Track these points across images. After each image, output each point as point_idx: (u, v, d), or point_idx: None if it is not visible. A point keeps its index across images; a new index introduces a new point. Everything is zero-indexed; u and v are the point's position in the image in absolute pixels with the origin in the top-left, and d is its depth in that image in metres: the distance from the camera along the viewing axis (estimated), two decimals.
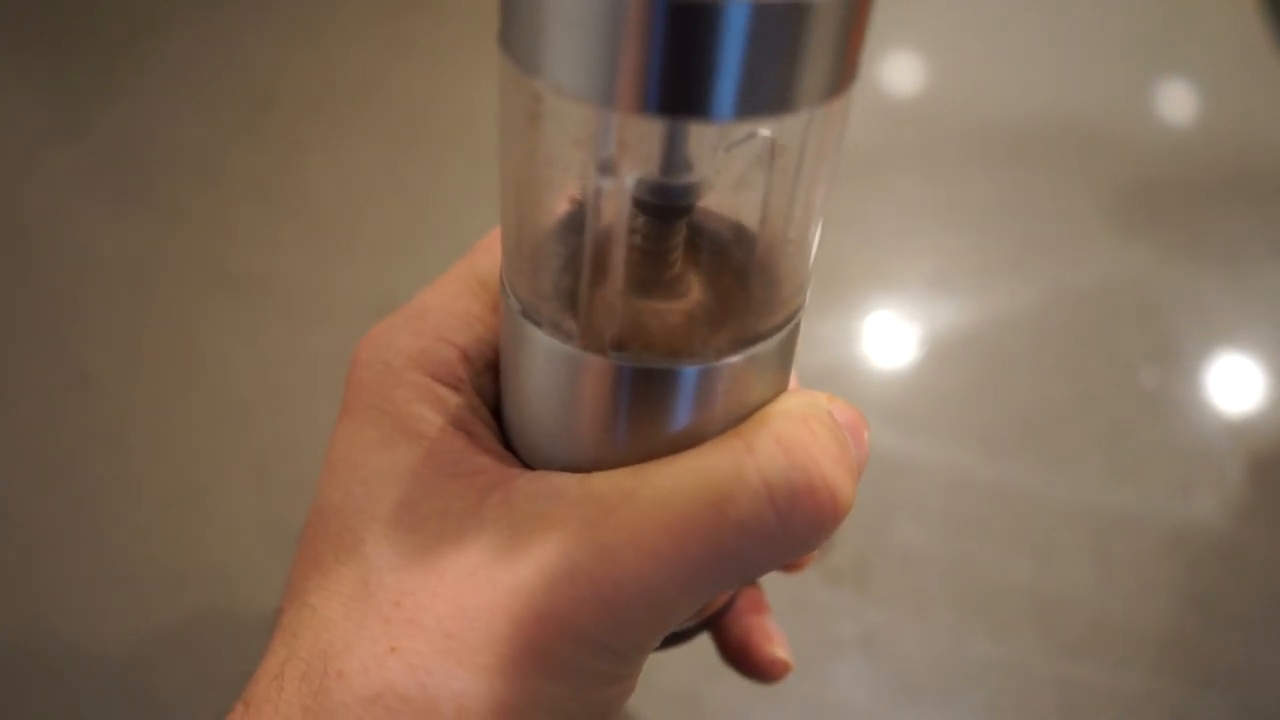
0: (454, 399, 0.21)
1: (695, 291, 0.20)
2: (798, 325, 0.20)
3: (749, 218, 0.19)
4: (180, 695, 0.39)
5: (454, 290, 0.22)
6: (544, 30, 0.15)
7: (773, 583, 0.43)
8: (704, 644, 0.42)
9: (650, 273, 0.19)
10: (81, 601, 0.42)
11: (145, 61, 0.67)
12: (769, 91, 0.15)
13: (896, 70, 0.73)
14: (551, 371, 0.19)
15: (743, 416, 0.20)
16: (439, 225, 0.58)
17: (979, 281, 0.56)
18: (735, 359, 0.19)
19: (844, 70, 0.16)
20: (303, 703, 0.18)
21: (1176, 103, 0.69)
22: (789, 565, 0.32)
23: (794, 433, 0.19)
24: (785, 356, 0.20)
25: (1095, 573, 0.43)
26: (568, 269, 0.19)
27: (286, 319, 0.53)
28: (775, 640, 0.30)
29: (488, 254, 0.22)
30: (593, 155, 0.17)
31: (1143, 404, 0.50)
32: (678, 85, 0.15)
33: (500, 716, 0.18)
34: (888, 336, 0.53)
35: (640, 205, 0.18)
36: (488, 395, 0.22)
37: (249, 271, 0.55)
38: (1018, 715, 0.40)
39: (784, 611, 0.43)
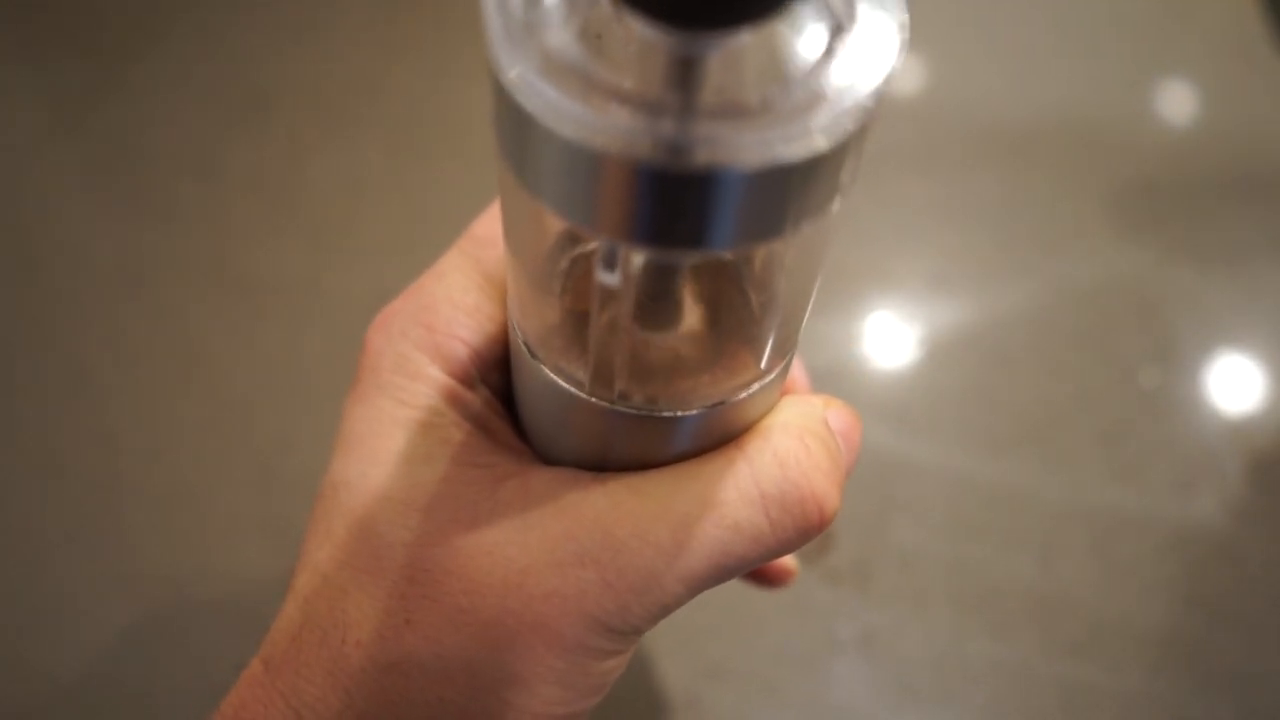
0: (470, 397, 0.22)
1: (699, 342, 0.20)
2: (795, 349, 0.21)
3: (750, 271, 0.20)
4: (180, 695, 0.39)
5: (461, 285, 0.23)
6: (537, 164, 0.15)
7: None
8: (704, 647, 0.42)
9: (654, 323, 0.20)
10: (81, 601, 0.42)
11: (145, 61, 0.67)
12: (762, 226, 0.15)
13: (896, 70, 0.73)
14: (561, 407, 0.20)
15: (745, 429, 0.21)
16: (439, 225, 0.58)
17: (979, 281, 0.56)
18: (738, 398, 0.20)
19: (836, 193, 0.16)
20: (325, 667, 0.20)
21: (1176, 103, 0.69)
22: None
23: (790, 449, 0.21)
24: (783, 379, 0.21)
25: (1095, 573, 0.43)
26: (575, 324, 0.20)
27: (286, 319, 0.53)
28: None
29: (490, 249, 0.23)
30: (598, 264, 0.17)
31: (1143, 404, 0.50)
32: (665, 230, 0.14)
33: (509, 685, 0.19)
34: (888, 336, 0.53)
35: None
36: (500, 390, 0.23)
37: (249, 271, 0.55)
38: (1018, 715, 0.40)
39: (784, 611, 0.43)
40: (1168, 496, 0.46)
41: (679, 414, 0.20)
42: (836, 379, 0.51)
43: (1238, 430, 0.49)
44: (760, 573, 0.34)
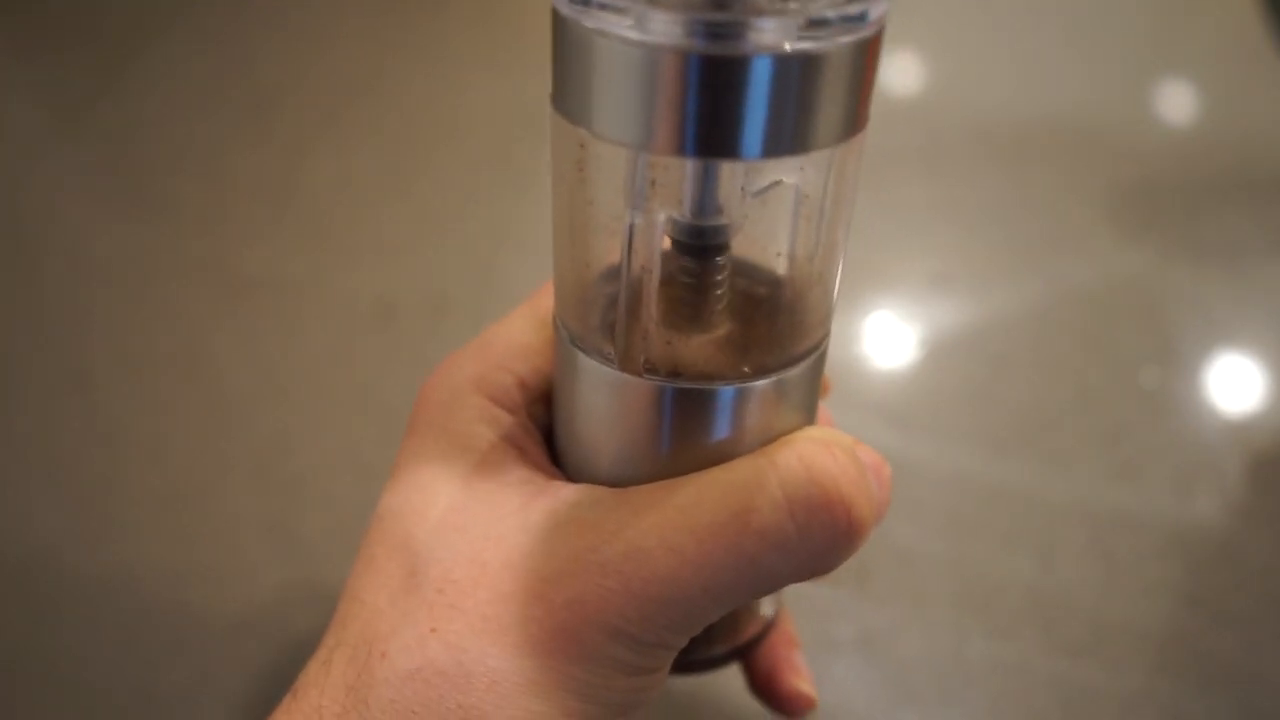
0: (508, 419, 0.23)
1: (727, 322, 0.21)
2: (824, 354, 0.22)
3: (778, 256, 0.21)
4: (180, 695, 0.39)
5: (518, 327, 0.25)
6: (592, 88, 0.17)
7: None
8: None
9: (690, 306, 0.21)
10: (82, 601, 0.42)
11: (146, 61, 0.67)
12: (790, 132, 0.17)
13: (896, 70, 0.73)
14: (594, 391, 0.21)
15: (770, 440, 0.21)
16: (439, 225, 0.58)
17: (979, 281, 0.56)
18: (762, 383, 0.20)
19: (856, 115, 0.18)
20: (347, 682, 0.20)
21: (1176, 103, 0.69)
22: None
23: (815, 453, 0.20)
24: (811, 384, 0.22)
25: (1095, 573, 0.43)
26: (610, 303, 0.21)
27: (287, 319, 0.53)
28: (802, 675, 0.31)
29: (549, 297, 0.24)
30: (630, 196, 0.19)
31: (1143, 404, 0.50)
32: (710, 130, 0.16)
33: (528, 692, 0.19)
34: (888, 336, 0.53)
35: (678, 245, 0.20)
36: (541, 421, 0.24)
37: (249, 271, 0.55)
38: (1018, 715, 0.40)
39: None
40: (1168, 496, 0.46)
41: (705, 388, 0.20)
42: (837, 379, 0.51)
43: (1238, 430, 0.49)
44: (778, 697, 0.31)
